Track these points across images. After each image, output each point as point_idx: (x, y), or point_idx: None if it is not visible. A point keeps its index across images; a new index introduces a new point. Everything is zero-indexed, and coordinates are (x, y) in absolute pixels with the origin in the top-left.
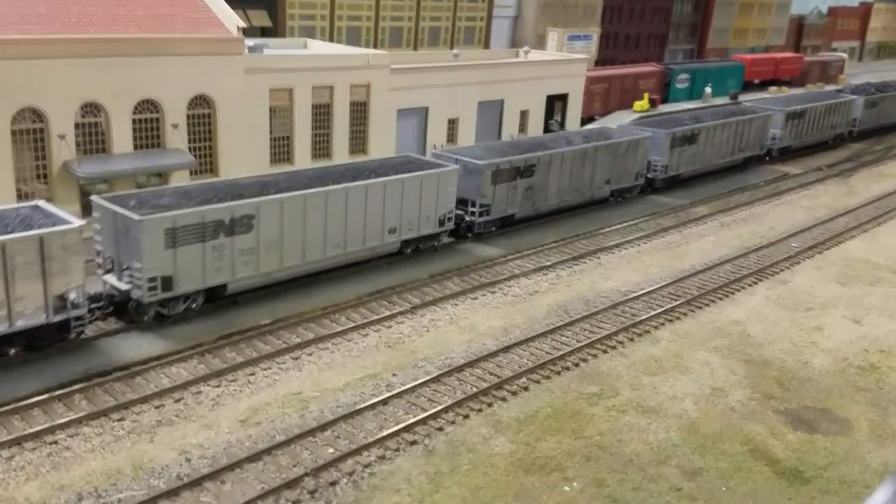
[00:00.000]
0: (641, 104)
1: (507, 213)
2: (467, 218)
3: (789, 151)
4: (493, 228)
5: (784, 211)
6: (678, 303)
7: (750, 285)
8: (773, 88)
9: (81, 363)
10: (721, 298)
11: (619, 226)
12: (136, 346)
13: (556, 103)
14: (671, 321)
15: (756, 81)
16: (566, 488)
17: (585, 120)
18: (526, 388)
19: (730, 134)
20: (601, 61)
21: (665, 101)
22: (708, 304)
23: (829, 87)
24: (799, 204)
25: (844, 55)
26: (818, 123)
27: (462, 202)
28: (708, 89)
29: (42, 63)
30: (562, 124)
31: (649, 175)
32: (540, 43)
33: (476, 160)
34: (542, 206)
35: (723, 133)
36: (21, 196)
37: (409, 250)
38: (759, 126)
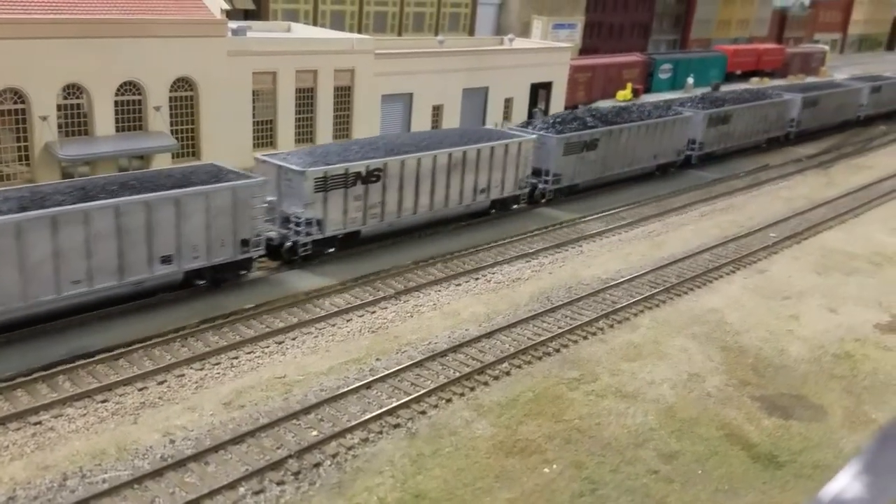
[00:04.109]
0: (624, 94)
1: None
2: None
3: (354, 243)
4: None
5: (764, 201)
6: (657, 290)
7: (728, 274)
8: (754, 80)
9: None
10: (699, 286)
11: (601, 214)
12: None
13: (540, 91)
14: (650, 308)
15: (738, 72)
16: (546, 470)
17: (569, 108)
18: (508, 373)
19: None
20: (585, 50)
21: (648, 90)
22: (686, 292)
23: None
24: (778, 195)
25: (826, 47)
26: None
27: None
28: (690, 80)
29: (24, 43)
30: (545, 112)
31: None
32: (525, 31)
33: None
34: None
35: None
36: (2, 178)
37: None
38: None
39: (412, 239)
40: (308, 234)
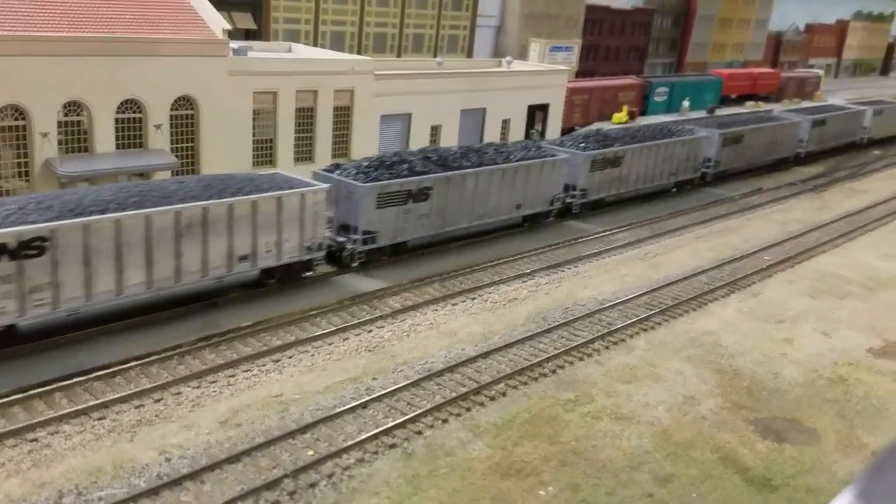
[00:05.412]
0: (620, 116)
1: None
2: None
3: None
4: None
5: (758, 224)
6: (653, 312)
7: (723, 296)
8: (749, 103)
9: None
10: (695, 309)
11: (597, 235)
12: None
13: (537, 113)
14: (646, 330)
15: (733, 96)
16: (541, 492)
17: (566, 130)
18: (504, 394)
19: None
20: (582, 73)
21: (644, 113)
22: (682, 315)
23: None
24: (772, 218)
25: (821, 72)
26: None
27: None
28: (685, 103)
29: (26, 60)
30: (542, 134)
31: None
32: (522, 53)
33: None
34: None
35: None
36: (1, 193)
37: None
38: None
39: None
40: None
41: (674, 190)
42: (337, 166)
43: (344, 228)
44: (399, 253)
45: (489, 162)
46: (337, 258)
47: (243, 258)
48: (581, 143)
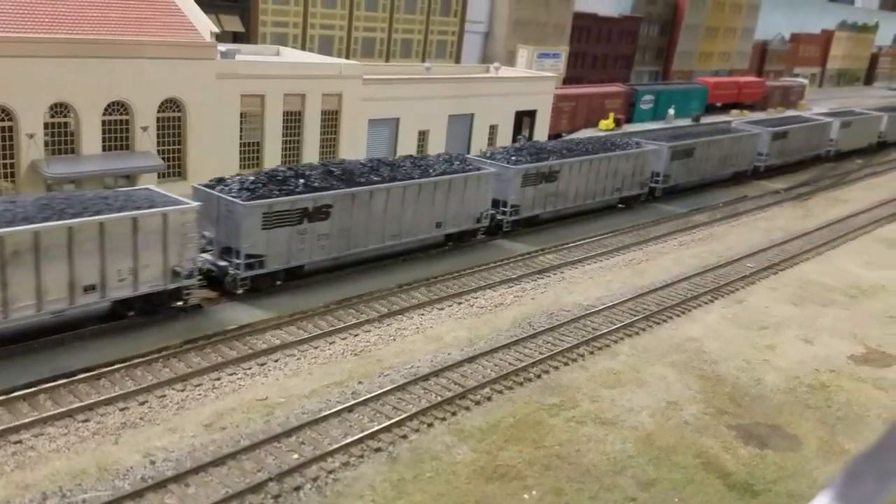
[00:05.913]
0: (607, 123)
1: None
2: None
3: None
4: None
5: (742, 232)
6: (637, 318)
7: (707, 303)
8: (734, 112)
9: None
10: (678, 315)
11: (582, 241)
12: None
13: (524, 119)
14: (630, 336)
15: (719, 104)
16: (525, 496)
17: (553, 136)
18: (489, 399)
19: None
20: (569, 80)
21: (630, 121)
22: (666, 321)
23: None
24: (756, 226)
25: (805, 81)
26: None
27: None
28: (671, 111)
29: (13, 62)
30: (529, 139)
31: None
32: (510, 59)
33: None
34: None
35: None
36: None
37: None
38: None
39: None
40: None
41: (620, 206)
42: (220, 180)
43: (227, 251)
44: (295, 278)
45: (403, 176)
46: (221, 284)
47: (89, 288)
48: (512, 155)
